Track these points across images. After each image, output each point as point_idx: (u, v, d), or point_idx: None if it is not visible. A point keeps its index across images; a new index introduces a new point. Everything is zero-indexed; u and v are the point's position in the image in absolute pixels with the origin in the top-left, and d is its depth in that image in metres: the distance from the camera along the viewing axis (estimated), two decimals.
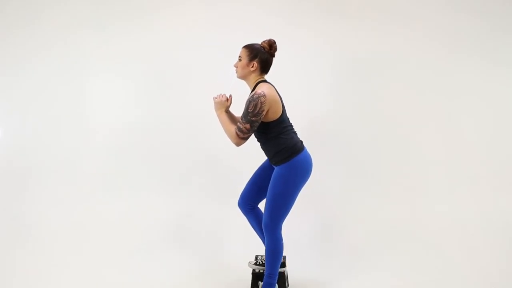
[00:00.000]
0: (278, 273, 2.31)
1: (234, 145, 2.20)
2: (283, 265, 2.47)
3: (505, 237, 2.99)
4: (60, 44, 3.53)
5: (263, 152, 2.39)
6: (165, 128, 3.51)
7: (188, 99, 3.49)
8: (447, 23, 3.38)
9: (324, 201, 3.37)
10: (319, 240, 3.07)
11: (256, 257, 2.59)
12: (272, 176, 2.25)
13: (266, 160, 2.44)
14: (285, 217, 2.26)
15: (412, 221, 3.19)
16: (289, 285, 2.53)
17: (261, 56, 2.22)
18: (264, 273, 2.31)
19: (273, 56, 2.27)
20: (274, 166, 2.29)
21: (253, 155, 2.68)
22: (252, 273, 2.47)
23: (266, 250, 2.27)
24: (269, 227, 2.23)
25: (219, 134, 3.44)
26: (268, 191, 2.24)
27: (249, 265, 2.54)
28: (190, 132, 3.49)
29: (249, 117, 2.11)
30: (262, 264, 2.52)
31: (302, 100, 3.37)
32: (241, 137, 2.14)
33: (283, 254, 2.53)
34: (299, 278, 2.59)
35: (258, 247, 2.75)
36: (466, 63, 3.39)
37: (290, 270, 2.61)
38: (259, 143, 2.32)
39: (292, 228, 2.99)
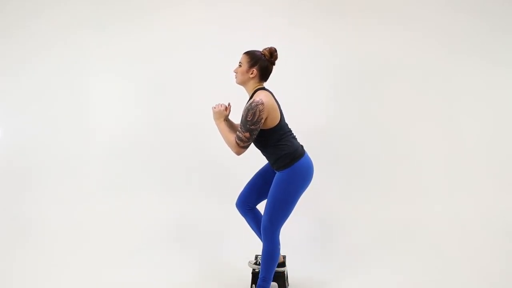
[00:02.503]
0: (272, 278, 2.30)
1: (234, 154, 2.20)
2: (283, 264, 2.47)
3: (505, 237, 2.99)
4: (60, 44, 3.53)
5: (267, 168, 2.42)
6: (165, 128, 3.51)
7: (188, 99, 3.49)
8: (447, 23, 3.38)
9: (324, 201, 3.37)
10: (319, 240, 3.06)
11: (256, 257, 2.59)
12: (274, 181, 2.25)
13: (267, 163, 2.44)
14: (285, 221, 2.27)
15: (412, 221, 3.19)
16: (289, 285, 2.53)
17: (261, 63, 2.22)
18: (259, 276, 2.30)
19: (273, 64, 2.27)
20: (275, 171, 2.30)
21: (253, 155, 2.67)
22: (252, 273, 2.46)
23: (263, 254, 2.27)
24: (268, 230, 2.23)
25: (219, 135, 3.46)
26: (269, 195, 2.24)
27: (249, 265, 2.54)
28: (190, 132, 3.49)
29: (248, 126, 2.11)
30: None
31: (302, 100, 3.37)
32: (241, 146, 2.15)
33: (283, 254, 2.53)
34: (299, 278, 2.59)
35: (258, 247, 2.74)
36: (466, 63, 3.39)
37: (290, 270, 2.60)
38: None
39: (292, 228, 2.98)
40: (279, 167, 2.23)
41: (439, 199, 3.31)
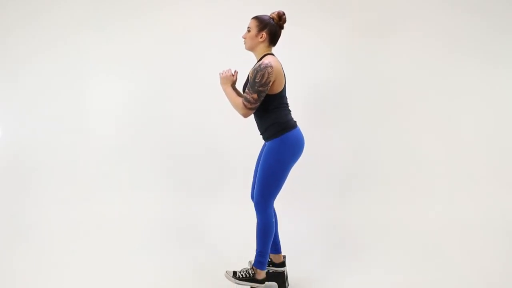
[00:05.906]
0: (269, 252, 2.30)
1: (241, 116, 2.20)
2: (283, 264, 2.47)
3: (505, 237, 2.99)
4: (60, 44, 3.53)
5: (262, 151, 2.38)
6: (165, 128, 3.51)
7: (188, 99, 3.49)
8: (447, 23, 3.38)
9: (324, 201, 3.37)
10: (319, 240, 3.06)
11: None
12: (263, 152, 2.24)
13: (262, 148, 2.43)
14: (276, 195, 2.25)
15: (412, 221, 3.18)
16: (289, 285, 2.52)
17: (270, 27, 2.22)
18: (255, 251, 2.29)
19: (282, 28, 2.27)
20: (266, 142, 2.29)
21: (253, 155, 2.68)
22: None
23: (257, 228, 2.26)
24: (260, 204, 2.23)
25: (219, 135, 3.46)
26: (259, 168, 2.23)
27: (249, 265, 2.53)
28: (190, 132, 3.49)
29: (256, 87, 2.11)
30: None
31: (301, 99, 3.37)
32: (248, 107, 2.15)
33: (283, 254, 2.53)
34: (299, 278, 2.59)
35: None
36: (466, 63, 3.39)
37: (290, 270, 2.60)
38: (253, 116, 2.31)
39: (292, 228, 2.99)
40: (270, 136, 2.22)
41: (439, 199, 3.31)
